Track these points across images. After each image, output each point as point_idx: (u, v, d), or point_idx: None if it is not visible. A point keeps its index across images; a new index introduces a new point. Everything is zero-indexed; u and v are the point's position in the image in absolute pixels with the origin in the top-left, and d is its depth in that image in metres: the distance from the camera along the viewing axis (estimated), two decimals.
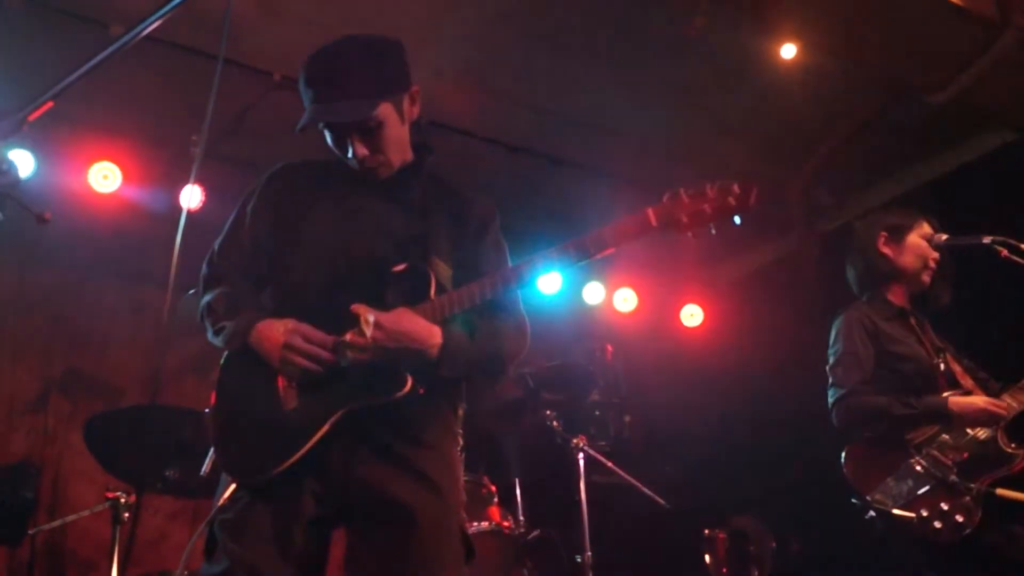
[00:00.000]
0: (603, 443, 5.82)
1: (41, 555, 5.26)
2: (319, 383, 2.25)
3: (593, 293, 7.48)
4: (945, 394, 3.35)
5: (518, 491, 4.94)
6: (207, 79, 2.28)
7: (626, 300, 7.64)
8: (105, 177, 5.41)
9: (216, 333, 2.39)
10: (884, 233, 3.69)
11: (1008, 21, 4.59)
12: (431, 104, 5.53)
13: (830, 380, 3.52)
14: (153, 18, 1.65)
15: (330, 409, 2.23)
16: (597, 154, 6.21)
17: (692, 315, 7.77)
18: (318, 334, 2.25)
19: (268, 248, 2.49)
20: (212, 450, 2.32)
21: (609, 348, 7.01)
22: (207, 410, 2.37)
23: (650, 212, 2.29)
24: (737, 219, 2.26)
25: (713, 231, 2.27)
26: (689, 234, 2.28)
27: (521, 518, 4.75)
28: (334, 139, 2.43)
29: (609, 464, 4.81)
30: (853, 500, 3.28)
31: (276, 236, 2.48)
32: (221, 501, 2.27)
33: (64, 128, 5.22)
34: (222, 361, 2.41)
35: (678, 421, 7.29)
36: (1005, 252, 3.39)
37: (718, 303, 7.76)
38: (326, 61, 2.37)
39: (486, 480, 4.65)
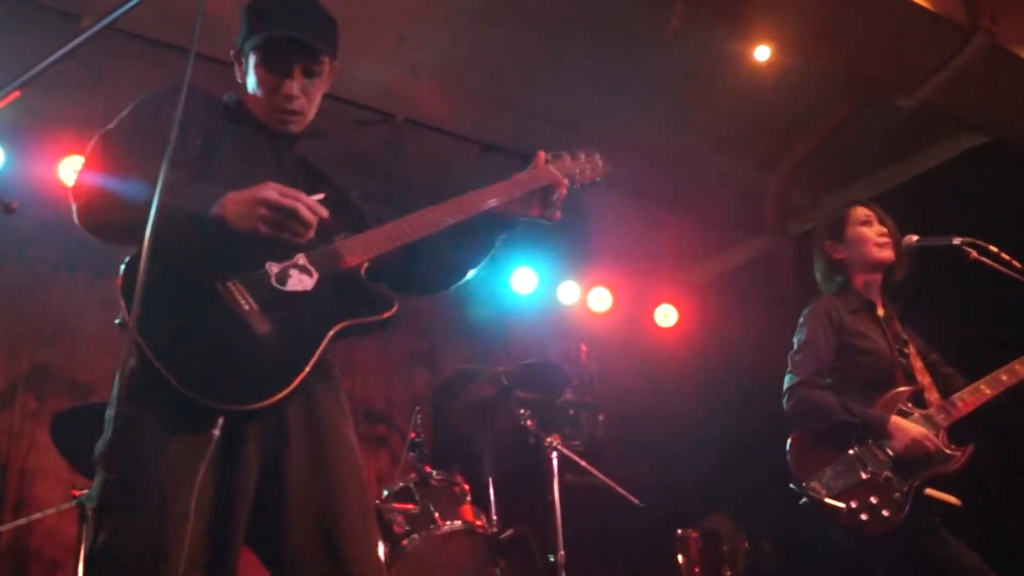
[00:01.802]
0: (577, 442, 5.82)
1: (5, 554, 5.18)
2: (286, 306, 2.10)
3: (568, 292, 7.49)
4: (892, 414, 3.37)
5: (491, 490, 4.94)
6: (180, 73, 2.26)
7: (601, 300, 7.66)
8: (76, 171, 5.35)
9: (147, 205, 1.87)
10: (828, 241, 3.75)
11: (977, 25, 4.64)
12: (406, 102, 5.59)
13: (788, 366, 3.57)
14: (123, 9, 1.63)
15: (324, 326, 2.16)
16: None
17: (667, 315, 7.80)
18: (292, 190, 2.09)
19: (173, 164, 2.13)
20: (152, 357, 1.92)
21: (583, 348, 7.03)
22: (118, 321, 2.09)
23: (552, 169, 2.65)
24: (602, 181, 2.81)
25: (585, 186, 2.74)
26: (577, 186, 2.70)
27: (494, 517, 4.74)
28: (273, 69, 2.35)
29: (583, 463, 4.81)
30: (791, 485, 3.35)
31: (190, 157, 2.23)
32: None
33: (35, 122, 5.17)
34: (124, 266, 2.06)
35: (652, 421, 7.32)
36: (974, 254, 3.43)
37: (693, 303, 7.80)
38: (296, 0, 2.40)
39: (459, 478, 4.65)
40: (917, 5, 4.50)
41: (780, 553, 6.02)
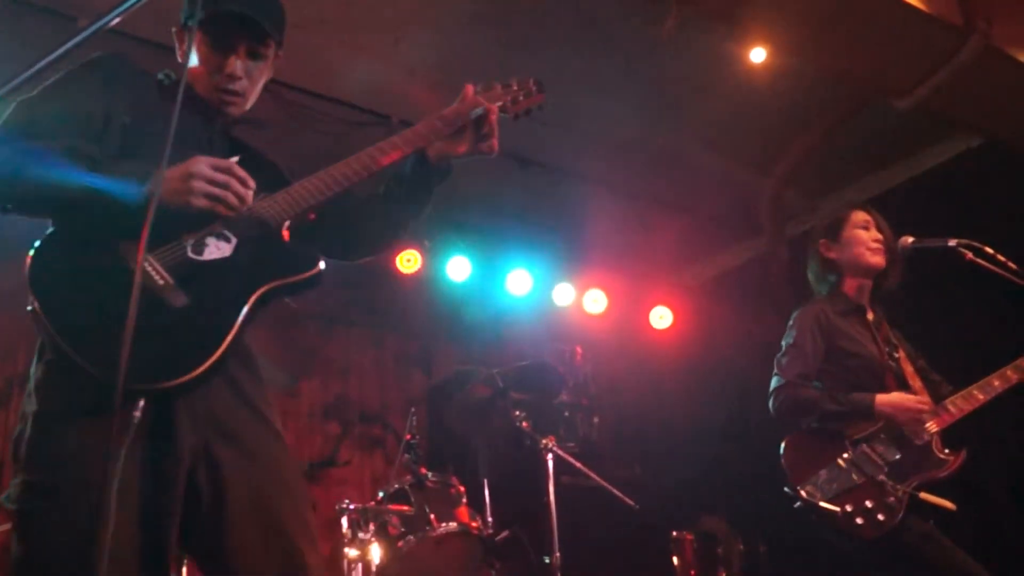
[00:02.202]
0: (572, 444, 5.83)
1: (2, 552, 5.17)
2: (204, 276, 2.01)
3: (563, 294, 7.49)
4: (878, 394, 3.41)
5: (486, 491, 4.94)
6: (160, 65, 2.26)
7: (596, 301, 7.66)
8: None
9: (69, 182, 1.98)
10: (823, 240, 3.77)
11: (973, 27, 4.65)
12: (403, 103, 5.58)
13: (775, 368, 3.58)
14: (118, 10, 1.63)
15: (245, 292, 2.05)
16: (564, 155, 6.23)
17: (662, 317, 7.81)
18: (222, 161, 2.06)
19: (96, 132, 2.16)
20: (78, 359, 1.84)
21: (579, 349, 7.03)
22: (31, 308, 1.95)
23: (479, 98, 2.63)
24: (536, 107, 2.82)
25: (519, 115, 2.72)
26: (511, 115, 2.70)
27: (490, 519, 4.74)
28: (216, 46, 2.29)
29: (578, 465, 4.81)
30: (786, 489, 3.35)
31: (107, 126, 2.18)
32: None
33: None
34: (35, 250, 2.00)
35: (647, 423, 7.33)
36: (970, 255, 3.44)
37: (688, 305, 7.81)
38: None
39: (454, 480, 4.65)
40: (912, 7, 4.51)
41: (775, 555, 6.02)
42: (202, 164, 2.03)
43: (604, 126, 5.87)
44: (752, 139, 6.12)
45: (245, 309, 2.03)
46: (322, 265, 2.16)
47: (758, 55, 5.12)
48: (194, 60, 2.31)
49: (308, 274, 2.15)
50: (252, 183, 2.10)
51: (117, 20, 1.64)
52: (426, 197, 2.53)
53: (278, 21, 2.38)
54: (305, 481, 2.25)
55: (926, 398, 3.40)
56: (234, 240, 2.10)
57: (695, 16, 4.81)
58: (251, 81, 2.36)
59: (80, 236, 2.02)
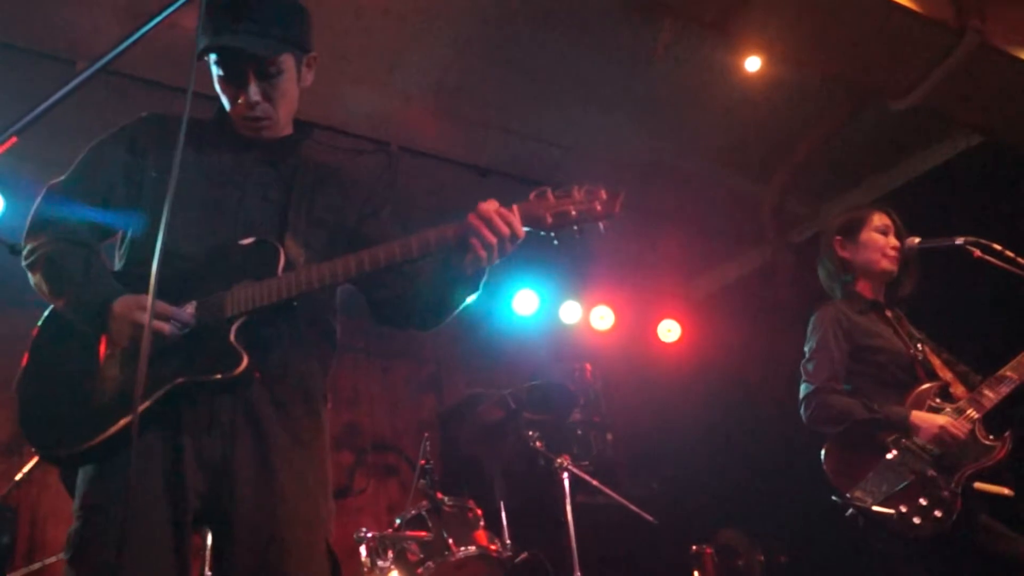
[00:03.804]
0: (586, 462, 5.81)
1: None
2: (153, 355, 2.09)
3: (570, 312, 7.48)
4: (912, 407, 3.34)
5: (503, 514, 4.91)
6: (178, 112, 2.26)
7: (603, 318, 7.65)
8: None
9: (57, 294, 2.20)
10: (839, 237, 3.74)
11: (966, 25, 4.66)
12: (400, 128, 5.60)
13: (802, 375, 3.53)
14: (113, 53, 1.64)
15: (162, 381, 2.10)
16: (563, 173, 6.23)
17: (669, 330, 7.80)
18: (174, 310, 2.14)
19: (122, 199, 2.33)
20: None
21: (588, 367, 7.01)
22: (17, 377, 2.20)
23: (515, 208, 2.28)
24: (601, 226, 2.30)
25: (578, 234, 2.30)
26: (552, 235, 2.31)
27: (508, 541, 4.71)
28: (227, 78, 2.30)
29: (595, 482, 4.79)
30: (833, 498, 3.26)
31: (135, 189, 2.32)
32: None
33: (33, 168, 5.18)
34: (41, 321, 2.26)
35: (660, 437, 7.30)
36: (978, 252, 3.41)
37: (695, 317, 7.79)
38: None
39: (471, 504, 4.63)
40: (905, 8, 4.51)
41: (795, 565, 5.98)
42: (136, 313, 2.11)
43: (603, 143, 5.88)
44: (751, 148, 6.13)
45: (149, 401, 2.08)
46: (242, 367, 2.13)
47: (753, 64, 5.14)
48: (221, 95, 2.36)
49: (219, 376, 2.14)
50: (174, 336, 2.14)
51: (114, 61, 1.65)
52: (472, 284, 2.38)
53: (283, 31, 2.31)
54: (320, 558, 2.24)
55: (958, 422, 3.25)
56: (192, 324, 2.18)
57: (688, 29, 4.83)
58: (274, 100, 2.35)
59: (60, 324, 2.25)
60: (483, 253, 2.22)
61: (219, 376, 2.13)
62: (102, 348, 2.15)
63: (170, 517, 2.09)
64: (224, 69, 2.30)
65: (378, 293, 2.50)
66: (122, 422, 2.06)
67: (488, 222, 2.22)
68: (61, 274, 2.21)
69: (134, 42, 1.67)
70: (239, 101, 2.32)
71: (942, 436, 3.19)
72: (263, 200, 2.37)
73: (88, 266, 2.24)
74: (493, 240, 2.21)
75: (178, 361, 2.13)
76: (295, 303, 2.24)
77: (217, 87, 2.35)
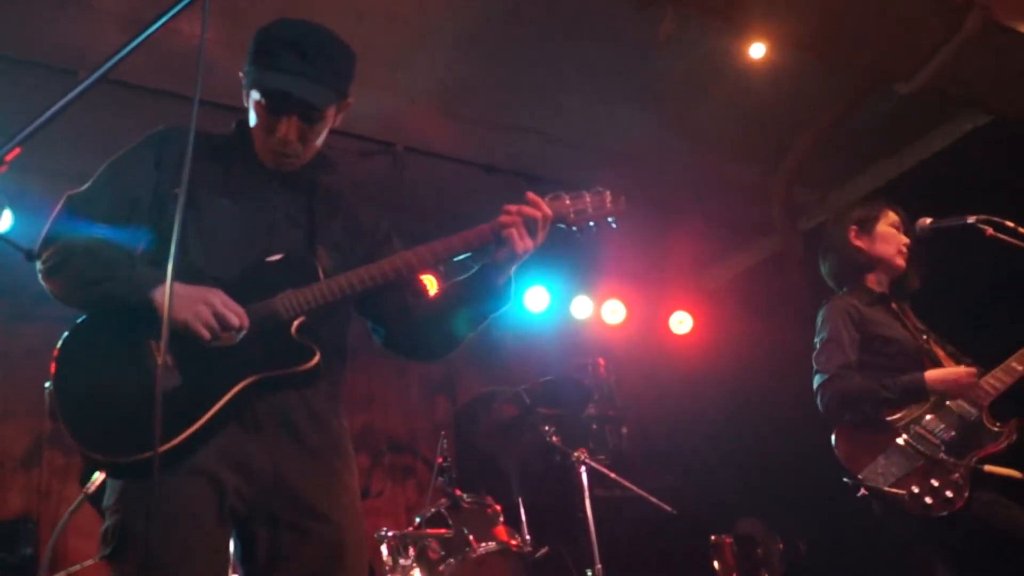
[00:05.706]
0: (602, 456, 5.80)
1: None
2: (204, 358, 2.13)
3: (581, 307, 7.48)
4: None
5: (522, 509, 4.92)
6: (185, 121, 2.27)
7: (615, 312, 7.65)
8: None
9: (91, 283, 2.15)
10: (854, 227, 3.76)
11: (972, 2, 4.63)
12: (406, 129, 5.60)
13: (814, 367, 3.56)
14: (117, 57, 1.63)
15: (230, 381, 2.13)
16: (572, 169, 6.21)
17: (681, 322, 7.79)
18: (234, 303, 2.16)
19: (144, 215, 2.31)
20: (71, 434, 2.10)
21: (601, 361, 7.00)
22: (47, 384, 2.16)
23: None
24: (613, 222, 2.58)
25: (594, 229, 2.56)
26: (574, 228, 2.53)
27: (527, 536, 4.72)
28: (269, 109, 2.29)
29: (612, 475, 4.79)
30: (845, 479, 3.32)
31: (157, 206, 2.31)
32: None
33: (40, 180, 5.20)
34: (67, 333, 2.19)
35: (675, 429, 7.29)
36: (991, 231, 3.44)
37: (706, 308, 7.78)
38: (307, 36, 2.29)
39: (490, 500, 4.63)
40: None
41: (816, 552, 5.97)
42: (218, 298, 2.13)
43: (609, 135, 5.87)
44: (757, 136, 6.11)
45: (224, 398, 2.11)
46: (316, 360, 2.19)
47: (757, 50, 5.11)
48: (252, 116, 2.35)
49: (301, 368, 2.19)
50: (245, 328, 2.16)
51: (117, 69, 1.65)
52: (490, 304, 2.48)
53: (335, 80, 2.33)
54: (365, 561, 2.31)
55: (972, 369, 3.38)
56: (244, 330, 2.18)
57: (691, 16, 4.81)
58: (307, 143, 2.36)
59: (103, 328, 2.18)
60: (519, 240, 2.36)
61: (297, 369, 2.18)
62: (157, 358, 2.12)
63: (216, 516, 2.11)
64: (268, 99, 2.28)
65: (394, 316, 2.54)
66: (197, 424, 2.07)
67: (519, 210, 2.40)
68: (104, 259, 2.17)
69: (135, 48, 1.67)
70: (274, 134, 2.31)
71: (961, 382, 3.30)
72: (292, 225, 2.40)
73: (130, 255, 2.23)
74: (537, 215, 2.40)
75: (240, 361, 2.16)
76: (339, 304, 2.30)
77: (251, 109, 2.34)
